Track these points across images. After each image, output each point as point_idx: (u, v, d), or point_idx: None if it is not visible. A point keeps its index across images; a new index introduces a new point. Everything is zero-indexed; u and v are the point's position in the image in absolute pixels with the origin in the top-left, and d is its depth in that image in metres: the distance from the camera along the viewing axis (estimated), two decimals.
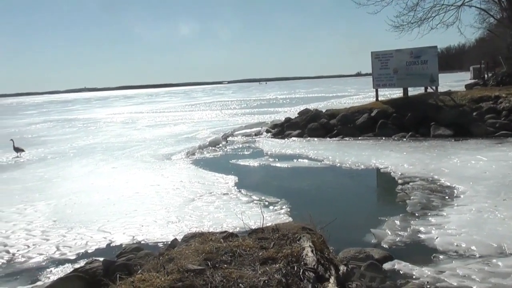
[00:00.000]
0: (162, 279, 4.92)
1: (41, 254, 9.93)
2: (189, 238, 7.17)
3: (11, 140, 25.92)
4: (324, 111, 30.08)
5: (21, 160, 23.52)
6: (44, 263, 9.49)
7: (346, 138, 24.73)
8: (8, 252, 10.23)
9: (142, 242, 10.10)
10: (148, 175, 17.42)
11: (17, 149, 25.41)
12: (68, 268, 8.93)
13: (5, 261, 9.76)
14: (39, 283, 8.29)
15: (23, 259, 9.78)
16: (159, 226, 11.16)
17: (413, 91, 29.25)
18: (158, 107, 73.08)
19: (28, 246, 10.47)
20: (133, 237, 10.51)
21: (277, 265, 5.26)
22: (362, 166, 17.16)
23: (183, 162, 20.23)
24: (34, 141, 32.72)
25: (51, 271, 9.02)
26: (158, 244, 9.90)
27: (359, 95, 64.57)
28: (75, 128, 41.57)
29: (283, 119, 31.46)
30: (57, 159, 23.04)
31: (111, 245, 10.21)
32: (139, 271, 5.72)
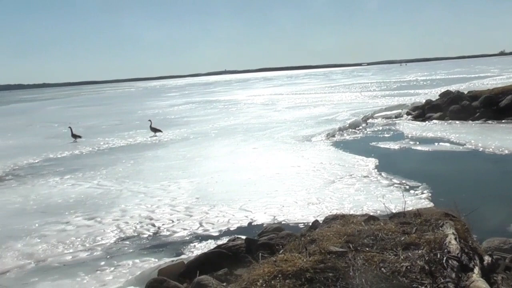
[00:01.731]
0: (304, 260, 4.97)
1: (185, 229, 10.32)
2: (330, 220, 7.18)
3: (149, 120, 27.31)
4: (466, 92, 29.08)
5: (165, 140, 24.45)
6: (187, 238, 9.86)
7: (489, 121, 23.79)
8: (153, 225, 10.73)
9: (282, 222, 10.20)
10: (288, 156, 17.59)
11: (154, 129, 26.69)
12: (210, 244, 9.23)
13: (151, 234, 10.23)
14: (183, 256, 8.58)
15: (167, 233, 10.21)
16: (299, 207, 11.23)
17: None
18: (297, 89, 73.37)
19: (173, 221, 10.91)
20: (274, 217, 10.65)
21: (419, 251, 5.18)
22: (506, 151, 16.46)
23: (323, 144, 20.24)
24: (177, 121, 33.92)
25: (194, 245, 9.36)
26: (299, 224, 9.98)
27: (503, 75, 61.90)
28: (216, 110, 42.61)
29: (424, 101, 30.72)
30: (199, 139, 23.79)
31: (252, 224, 10.41)
32: (281, 251, 5.81)
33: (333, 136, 22.72)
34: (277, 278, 4.71)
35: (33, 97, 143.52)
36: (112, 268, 8.49)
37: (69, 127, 27.66)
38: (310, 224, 8.62)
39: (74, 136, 26.86)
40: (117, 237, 10.15)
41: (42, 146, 25.36)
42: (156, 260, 8.65)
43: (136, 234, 10.23)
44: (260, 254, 5.72)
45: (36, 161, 20.76)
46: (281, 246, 6.40)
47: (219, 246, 7.51)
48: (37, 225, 11.36)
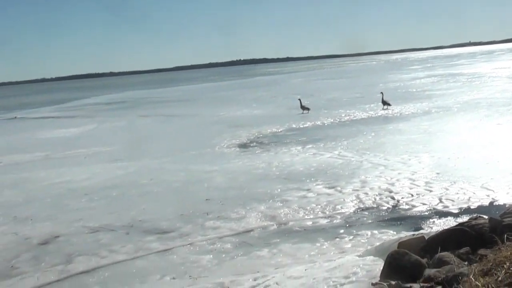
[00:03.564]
0: None
1: (424, 204, 10.24)
2: None
3: (381, 93, 27.44)
4: None
5: (406, 113, 24.28)
6: (426, 213, 9.78)
7: None
8: (393, 198, 10.77)
9: None
10: None
11: (385, 102, 26.81)
12: (449, 221, 9.09)
13: (390, 206, 10.31)
14: (422, 231, 8.50)
15: (406, 207, 10.21)
16: None
17: None
18: None
19: (412, 195, 10.86)
20: None
21: None
22: None
23: None
24: (419, 95, 33.44)
25: (433, 221, 9.26)
26: None
27: None
28: (459, 83, 41.21)
29: None
30: (441, 113, 23.23)
31: (494, 203, 9.99)
32: None
33: None
34: None
35: (277, 70, 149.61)
36: (351, 237, 8.72)
37: (299, 99, 28.86)
38: None
39: (303, 108, 27.91)
40: (356, 207, 10.37)
41: (285, 116, 26.60)
42: (395, 232, 8.72)
43: (375, 206, 10.37)
44: (506, 236, 5.55)
45: (279, 130, 21.81)
46: None
47: (461, 224, 7.35)
48: (279, 190, 11.97)
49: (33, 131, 30.55)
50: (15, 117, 44.33)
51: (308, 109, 27.85)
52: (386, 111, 25.39)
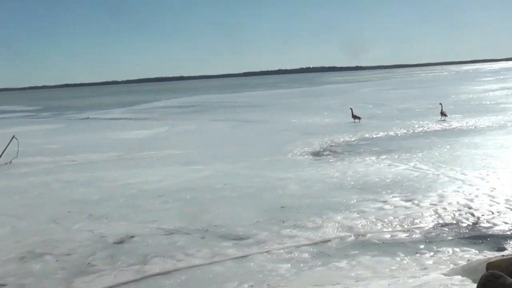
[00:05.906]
0: None
1: (506, 223, 9.87)
2: None
3: (440, 104, 27.54)
4: None
5: (481, 126, 23.77)
6: (509, 232, 9.41)
7: None
8: (473, 215, 10.43)
9: None
10: None
11: (443, 114, 27.01)
12: None
13: (470, 224, 9.97)
14: (505, 252, 8.26)
15: (487, 225, 9.86)
16: None
17: None
18: None
19: (492, 213, 10.49)
20: None
21: None
22: None
23: None
24: (493, 108, 32.71)
25: None
26: None
27: None
28: None
29: None
30: None
31: None
32: None
33: None
34: None
35: (346, 79, 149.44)
36: (432, 253, 8.48)
37: (350, 108, 29.41)
38: None
39: (354, 117, 28.38)
40: (435, 222, 10.10)
41: (357, 125, 26.64)
42: (477, 251, 8.45)
43: (454, 222, 10.07)
44: None
45: (352, 139, 21.67)
46: None
47: None
48: (355, 200, 11.82)
49: (105, 132, 31.25)
50: (88, 118, 45.47)
51: (359, 118, 28.25)
52: (460, 124, 24.82)
